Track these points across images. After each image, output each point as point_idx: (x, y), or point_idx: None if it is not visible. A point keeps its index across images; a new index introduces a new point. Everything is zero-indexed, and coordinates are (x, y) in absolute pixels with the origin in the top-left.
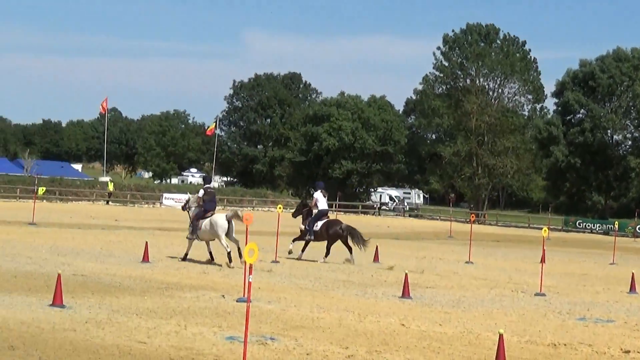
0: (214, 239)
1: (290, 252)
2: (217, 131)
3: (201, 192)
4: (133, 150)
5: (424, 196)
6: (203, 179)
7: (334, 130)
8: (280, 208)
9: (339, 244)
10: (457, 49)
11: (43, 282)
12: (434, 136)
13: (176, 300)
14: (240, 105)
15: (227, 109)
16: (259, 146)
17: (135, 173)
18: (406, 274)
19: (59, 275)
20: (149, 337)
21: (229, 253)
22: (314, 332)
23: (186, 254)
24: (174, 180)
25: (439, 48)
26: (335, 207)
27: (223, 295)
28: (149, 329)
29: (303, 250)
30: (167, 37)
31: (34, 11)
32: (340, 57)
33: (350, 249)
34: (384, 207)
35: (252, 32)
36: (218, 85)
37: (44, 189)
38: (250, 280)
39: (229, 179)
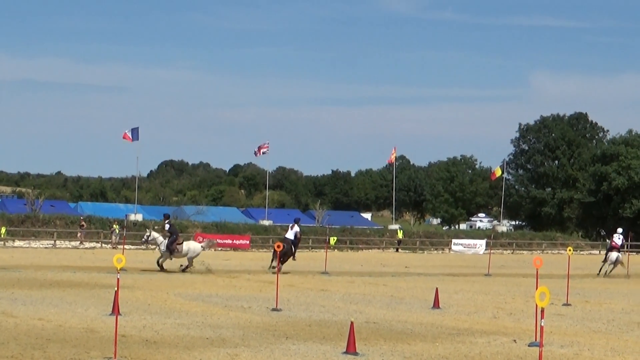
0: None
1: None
2: (505, 175)
3: (167, 226)
4: (421, 197)
5: None
6: (164, 216)
7: (623, 169)
8: (570, 250)
9: None
10: None
11: (336, 330)
12: None
13: (467, 346)
14: (526, 148)
15: (513, 152)
16: (547, 188)
17: (424, 220)
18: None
19: (352, 323)
20: None
21: (186, 267)
22: None
23: (161, 266)
24: (462, 226)
25: None
26: (628, 247)
27: (514, 340)
28: None
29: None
30: (452, 83)
31: (321, 63)
32: (627, 93)
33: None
34: None
35: (537, 73)
36: (504, 129)
37: (335, 238)
38: (542, 324)
39: (517, 222)
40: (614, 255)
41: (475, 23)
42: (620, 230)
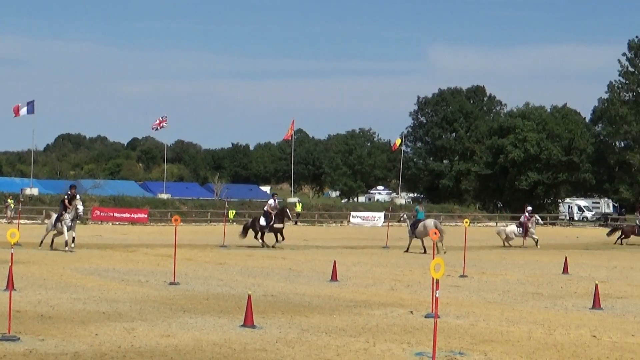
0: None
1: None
2: (403, 147)
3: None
4: (320, 170)
5: (613, 205)
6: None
7: (519, 141)
8: (467, 222)
9: None
10: None
11: (234, 303)
12: (622, 144)
13: (365, 318)
14: (425, 121)
15: (412, 125)
16: (444, 161)
17: (323, 193)
18: (596, 285)
19: (250, 297)
20: (339, 355)
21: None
22: (503, 346)
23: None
24: (361, 199)
25: (624, 54)
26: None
27: (411, 312)
28: (338, 346)
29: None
30: (351, 56)
31: (220, 36)
32: (524, 67)
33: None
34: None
35: (436, 47)
36: (403, 102)
37: (234, 211)
38: (437, 295)
39: (415, 194)
40: (513, 229)
41: None
42: (529, 208)
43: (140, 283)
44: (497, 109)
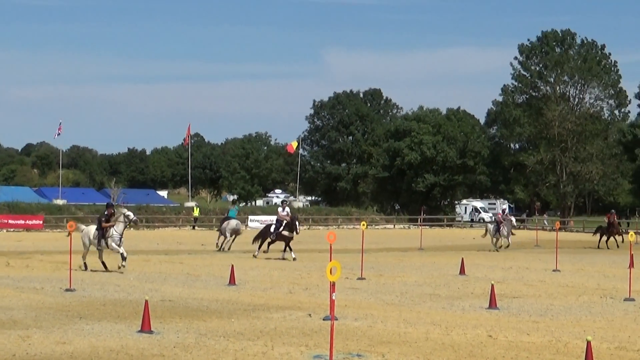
0: None
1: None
2: (300, 151)
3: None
4: (217, 175)
5: (509, 206)
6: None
7: (416, 144)
8: (364, 225)
9: None
10: (534, 57)
11: (131, 309)
12: (516, 145)
13: (263, 321)
14: (321, 124)
15: (308, 129)
16: (342, 164)
17: (221, 197)
18: (492, 285)
19: (147, 302)
20: (237, 359)
21: None
22: (400, 347)
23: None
24: (259, 202)
25: (516, 58)
26: (420, 221)
27: (310, 314)
28: (237, 350)
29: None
30: (246, 59)
31: (114, 39)
32: (419, 70)
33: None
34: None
35: (331, 50)
36: (299, 106)
37: None
38: (334, 298)
39: (313, 198)
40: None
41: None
42: (504, 207)
43: (35, 290)
44: (394, 112)
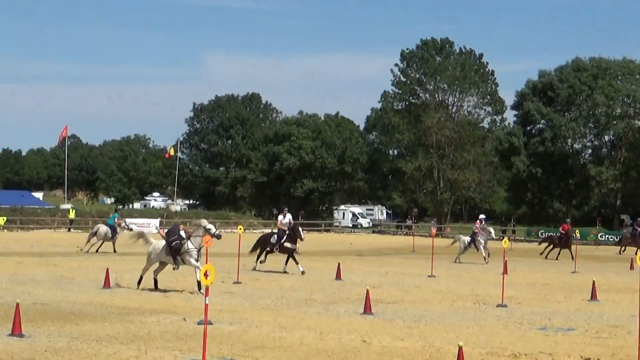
0: None
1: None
2: (179, 154)
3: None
4: (94, 177)
5: (387, 212)
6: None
7: (295, 149)
8: (241, 229)
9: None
10: (414, 65)
11: (2, 312)
12: (395, 152)
13: (137, 325)
14: (201, 128)
15: (188, 132)
16: (220, 168)
17: (97, 199)
18: (367, 290)
19: (18, 305)
20: None
21: None
22: (274, 352)
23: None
24: (137, 205)
25: (396, 65)
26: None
27: (184, 319)
28: (109, 355)
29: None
30: (125, 61)
31: None
32: (298, 75)
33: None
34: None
35: (212, 54)
36: (179, 109)
37: (5, 218)
38: (207, 302)
39: (191, 201)
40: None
41: (147, 1)
42: (482, 216)
43: None
44: (273, 116)
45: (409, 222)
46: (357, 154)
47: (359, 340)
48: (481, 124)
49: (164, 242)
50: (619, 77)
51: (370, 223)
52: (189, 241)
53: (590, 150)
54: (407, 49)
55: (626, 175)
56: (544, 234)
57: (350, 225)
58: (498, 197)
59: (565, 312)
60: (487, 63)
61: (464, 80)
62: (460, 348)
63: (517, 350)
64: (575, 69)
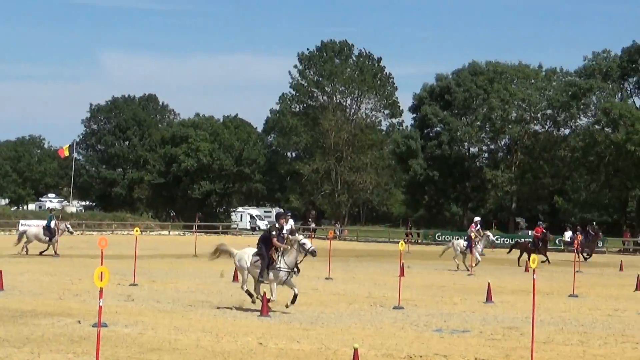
0: None
1: None
2: (75, 155)
3: None
4: None
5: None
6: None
7: (192, 151)
8: (137, 231)
9: None
10: (312, 67)
11: None
12: (293, 154)
13: (30, 328)
14: (97, 129)
15: (84, 133)
16: (117, 169)
17: None
18: (264, 293)
19: None
20: None
21: None
22: (170, 355)
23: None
24: (32, 206)
25: (295, 67)
26: (195, 228)
27: (79, 321)
28: (1, 358)
29: None
30: (17, 59)
31: None
32: (195, 76)
33: None
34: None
35: (108, 53)
36: (75, 109)
37: None
38: (101, 304)
39: (87, 203)
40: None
41: None
42: (477, 219)
43: None
44: (170, 118)
45: (312, 225)
46: (255, 155)
47: (255, 342)
48: (379, 127)
49: (250, 252)
50: (515, 82)
51: (268, 225)
52: (281, 257)
53: (486, 154)
54: (307, 49)
55: (521, 179)
56: (440, 237)
57: (249, 228)
58: (395, 200)
59: (461, 314)
60: (385, 67)
61: (362, 83)
62: (355, 350)
63: (412, 352)
64: (472, 73)
